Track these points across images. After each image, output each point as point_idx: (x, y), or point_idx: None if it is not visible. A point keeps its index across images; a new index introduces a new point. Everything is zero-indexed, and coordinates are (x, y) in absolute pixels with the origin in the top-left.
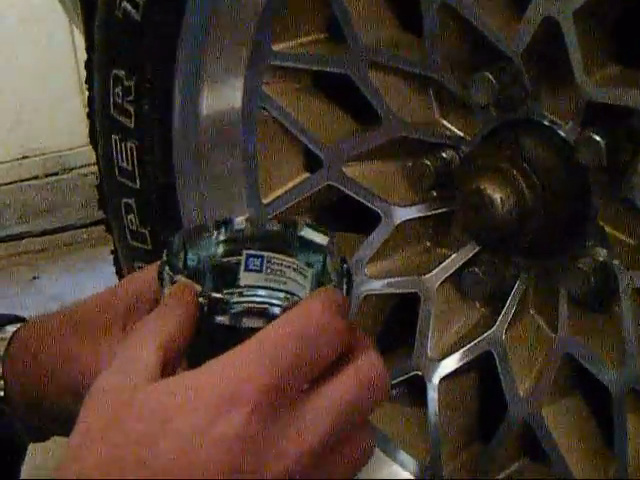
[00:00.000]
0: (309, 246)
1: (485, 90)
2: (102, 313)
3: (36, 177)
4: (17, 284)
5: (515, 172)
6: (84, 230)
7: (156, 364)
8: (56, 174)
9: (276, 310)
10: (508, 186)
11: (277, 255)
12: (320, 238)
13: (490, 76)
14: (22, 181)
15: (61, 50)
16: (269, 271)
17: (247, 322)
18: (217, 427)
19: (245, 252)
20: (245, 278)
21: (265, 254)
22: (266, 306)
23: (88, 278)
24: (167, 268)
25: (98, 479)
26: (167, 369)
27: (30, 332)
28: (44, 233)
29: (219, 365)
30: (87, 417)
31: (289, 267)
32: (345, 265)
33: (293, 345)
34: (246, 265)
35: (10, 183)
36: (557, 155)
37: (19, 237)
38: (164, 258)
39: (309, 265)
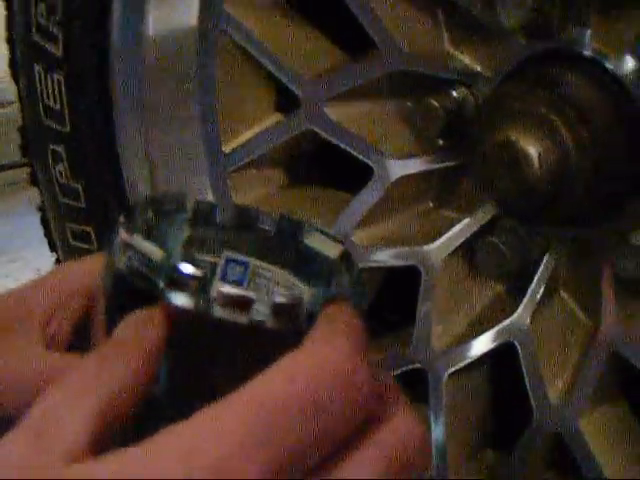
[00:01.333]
0: (313, 258)
1: (515, 10)
2: (15, 312)
3: None
4: None
5: (556, 119)
6: (26, 169)
7: (85, 440)
8: None
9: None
10: (547, 137)
11: (267, 265)
12: (330, 249)
13: None
14: None
15: None
16: (252, 285)
17: (221, 313)
18: None
19: (225, 254)
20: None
21: (251, 261)
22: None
23: (31, 223)
24: (123, 230)
25: None
26: (108, 432)
27: None
28: None
29: (176, 437)
30: None
31: (279, 283)
32: (360, 286)
33: (298, 414)
34: (223, 273)
35: None
36: (609, 98)
37: None
38: (120, 223)
39: (309, 283)
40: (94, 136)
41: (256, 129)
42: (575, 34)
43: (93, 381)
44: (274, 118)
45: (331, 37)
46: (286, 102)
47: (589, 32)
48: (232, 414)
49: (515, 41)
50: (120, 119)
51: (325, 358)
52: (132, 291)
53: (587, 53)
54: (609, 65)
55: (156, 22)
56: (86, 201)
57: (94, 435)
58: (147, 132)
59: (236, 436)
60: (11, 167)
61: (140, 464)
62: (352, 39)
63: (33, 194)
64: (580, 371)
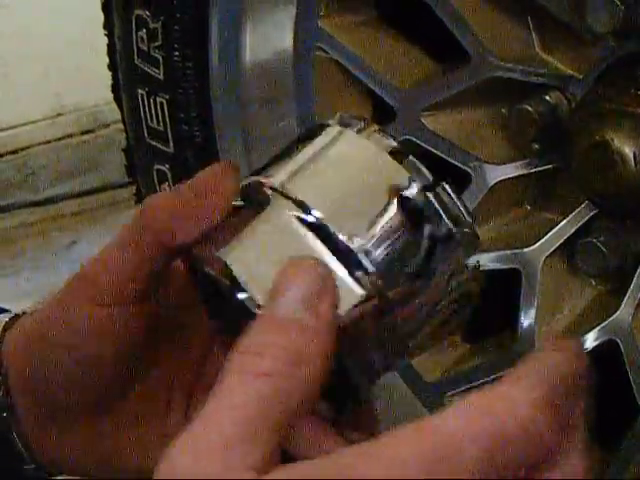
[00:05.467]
0: None
1: (604, 15)
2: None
3: (71, 135)
4: (54, 250)
5: None
6: (124, 189)
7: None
8: (92, 131)
9: None
10: None
11: None
12: None
13: None
14: (56, 140)
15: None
16: None
17: None
18: None
19: None
20: None
21: None
22: None
23: None
24: None
25: None
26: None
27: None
28: (82, 194)
29: (377, 459)
30: None
31: None
32: None
33: (477, 449)
34: None
35: (43, 143)
36: None
37: (55, 200)
38: None
39: None
40: (197, 155)
41: None
42: None
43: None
44: (372, 129)
45: (422, 47)
46: (382, 113)
47: None
48: (412, 449)
49: (605, 43)
50: (222, 138)
51: (512, 408)
52: None
53: None
54: None
55: (253, 48)
56: None
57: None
58: (248, 150)
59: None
60: (111, 188)
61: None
62: (443, 48)
63: (130, 214)
64: None
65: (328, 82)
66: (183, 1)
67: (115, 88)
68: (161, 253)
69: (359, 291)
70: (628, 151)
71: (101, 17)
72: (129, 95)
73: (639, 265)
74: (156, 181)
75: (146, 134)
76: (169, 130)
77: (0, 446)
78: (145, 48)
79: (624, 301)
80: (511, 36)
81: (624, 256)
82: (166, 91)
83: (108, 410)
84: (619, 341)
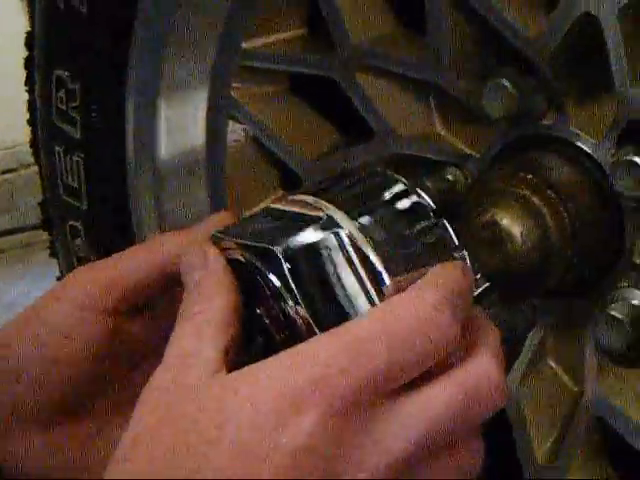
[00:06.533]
0: None
1: (500, 100)
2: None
3: None
4: None
5: (537, 200)
6: (41, 231)
7: (218, 355)
8: (14, 170)
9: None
10: (529, 217)
11: None
12: None
13: (507, 83)
14: None
15: (13, 35)
16: None
17: None
18: (280, 435)
19: None
20: None
21: None
22: None
23: (48, 283)
24: None
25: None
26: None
27: None
28: (1, 234)
29: (289, 358)
30: (140, 416)
31: None
32: None
33: (384, 345)
34: None
35: None
36: (588, 180)
37: None
38: None
39: None
40: (110, 213)
41: (261, 206)
42: (555, 121)
43: (211, 310)
44: (279, 194)
45: (330, 120)
46: (289, 181)
47: (568, 119)
48: (329, 341)
49: (499, 126)
50: (135, 198)
51: (416, 302)
52: None
53: (566, 138)
54: (587, 149)
55: (167, 115)
56: None
57: (226, 354)
58: (161, 208)
59: (328, 357)
60: (28, 229)
61: (265, 374)
62: (349, 122)
63: (48, 256)
64: (566, 434)
65: (238, 148)
66: (102, 64)
67: (34, 143)
68: (163, 279)
69: None
70: (515, 231)
71: (20, 63)
72: (46, 151)
73: (526, 336)
74: (69, 237)
75: (61, 190)
76: (83, 188)
77: None
78: (63, 107)
79: (512, 369)
80: (413, 114)
81: (512, 327)
82: (82, 150)
83: (73, 416)
84: (505, 407)
